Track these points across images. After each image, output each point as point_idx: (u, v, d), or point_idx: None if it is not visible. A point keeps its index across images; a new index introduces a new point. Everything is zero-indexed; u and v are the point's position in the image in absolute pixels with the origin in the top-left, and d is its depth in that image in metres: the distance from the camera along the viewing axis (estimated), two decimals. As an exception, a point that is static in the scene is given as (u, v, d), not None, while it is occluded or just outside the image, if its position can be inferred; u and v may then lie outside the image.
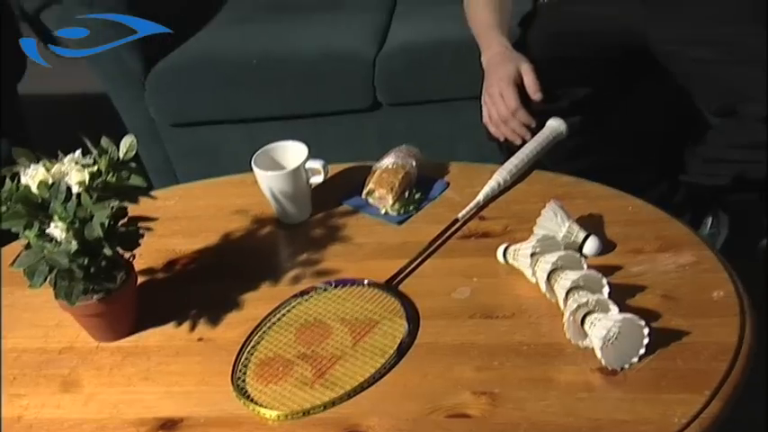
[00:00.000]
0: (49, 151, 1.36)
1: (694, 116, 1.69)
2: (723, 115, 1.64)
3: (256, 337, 1.16)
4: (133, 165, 1.15)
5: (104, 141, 1.15)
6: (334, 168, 1.44)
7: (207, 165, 2.15)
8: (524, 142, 1.46)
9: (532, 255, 1.14)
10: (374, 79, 1.98)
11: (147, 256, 1.25)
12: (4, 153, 1.86)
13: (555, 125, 1.41)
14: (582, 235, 1.18)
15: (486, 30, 1.62)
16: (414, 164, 1.39)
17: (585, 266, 1.12)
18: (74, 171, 1.11)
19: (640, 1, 1.67)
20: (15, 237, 1.13)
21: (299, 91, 2.04)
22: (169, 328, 1.21)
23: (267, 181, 1.34)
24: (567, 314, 1.03)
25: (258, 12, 2.26)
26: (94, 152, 1.15)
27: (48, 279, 1.11)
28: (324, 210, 1.39)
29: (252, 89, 2.06)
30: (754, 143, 1.56)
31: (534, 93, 1.47)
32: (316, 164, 1.38)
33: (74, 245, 1.08)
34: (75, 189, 1.10)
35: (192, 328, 1.20)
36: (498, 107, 1.49)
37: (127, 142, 1.15)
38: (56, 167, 1.11)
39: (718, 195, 1.72)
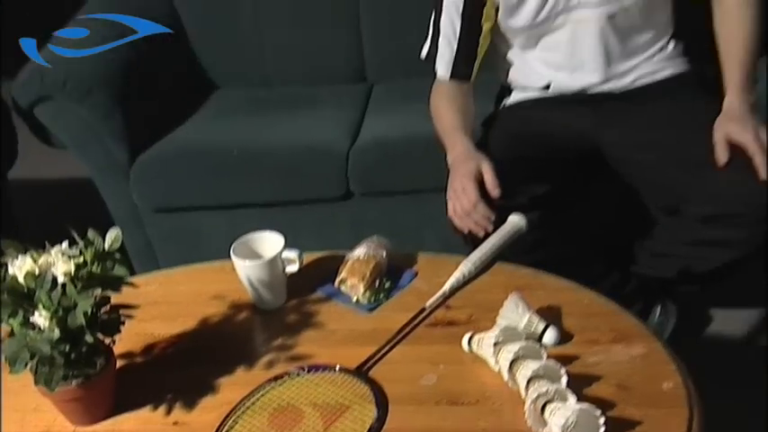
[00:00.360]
0: (34, 234, 1.35)
1: (643, 213, 1.72)
2: (668, 214, 1.67)
3: (230, 422, 1.14)
4: (117, 255, 1.15)
5: (91, 233, 1.15)
6: (309, 257, 1.45)
7: (187, 249, 2.15)
8: (487, 234, 1.47)
9: (495, 344, 1.14)
10: (347, 171, 2.00)
11: (127, 340, 1.22)
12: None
13: (516, 220, 1.43)
14: (541, 326, 1.19)
15: (451, 131, 1.64)
16: (384, 255, 1.40)
17: (545, 356, 1.12)
18: (60, 262, 1.11)
19: (591, 109, 1.71)
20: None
21: (276, 181, 2.05)
22: (145, 411, 1.18)
23: (245, 270, 1.34)
24: (528, 402, 1.03)
25: (239, 107, 2.29)
26: (81, 243, 1.15)
27: (29, 365, 1.10)
28: (298, 297, 1.39)
29: (232, 178, 2.07)
30: (695, 241, 1.59)
31: (492, 189, 1.49)
32: (291, 253, 1.38)
33: (56, 333, 1.08)
34: (60, 279, 1.10)
35: (168, 411, 1.18)
36: (461, 201, 1.51)
37: (112, 235, 1.16)
38: (43, 259, 1.11)
39: (666, 286, 1.74)
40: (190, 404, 1.18)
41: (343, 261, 1.41)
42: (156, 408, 1.18)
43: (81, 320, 1.08)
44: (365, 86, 2.35)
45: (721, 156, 1.50)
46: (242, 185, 2.07)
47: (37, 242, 1.20)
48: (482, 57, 1.73)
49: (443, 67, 1.73)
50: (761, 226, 1.50)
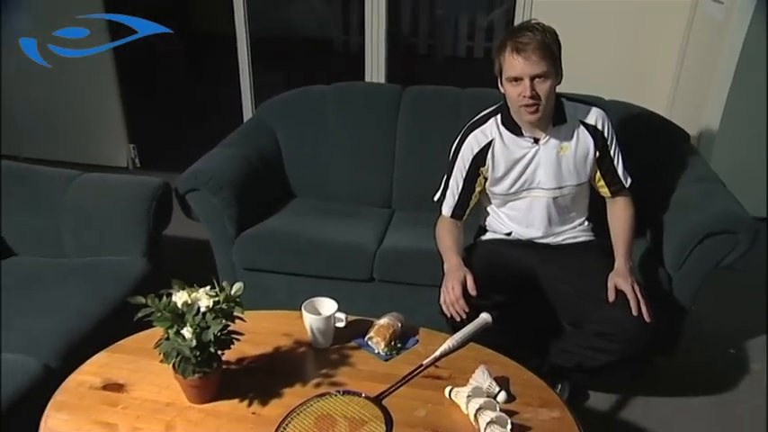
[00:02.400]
0: (173, 269, 1.39)
1: (558, 322, 1.74)
2: (573, 326, 1.70)
3: (288, 419, 1.16)
4: (238, 299, 1.20)
5: (225, 283, 1.21)
6: (350, 318, 1.46)
7: (259, 297, 2.09)
8: (462, 320, 1.49)
9: (467, 397, 1.17)
10: (373, 263, 2.02)
11: (228, 353, 1.25)
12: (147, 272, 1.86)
13: (485, 317, 1.46)
14: (497, 389, 1.22)
15: (448, 250, 1.68)
16: (399, 325, 1.43)
17: (498, 409, 1.15)
18: (204, 298, 1.17)
19: (535, 252, 1.77)
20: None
21: (326, 263, 2.06)
22: (235, 401, 1.21)
23: (310, 320, 1.38)
24: (485, 438, 1.07)
25: (308, 211, 2.30)
26: (217, 288, 1.21)
27: (173, 360, 1.15)
28: (340, 343, 1.41)
29: (297, 256, 2.07)
30: (588, 346, 1.62)
31: (472, 291, 1.52)
32: (341, 315, 1.41)
33: (194, 342, 1.13)
34: (202, 308, 1.16)
35: (249, 404, 1.21)
36: (450, 296, 1.53)
37: (237, 286, 1.21)
38: (194, 294, 1.17)
39: (565, 373, 1.74)
40: (263, 402, 1.21)
41: (373, 324, 1.43)
42: (242, 400, 1.21)
43: (211, 337, 1.14)
44: (390, 211, 2.35)
45: (611, 297, 1.56)
46: (302, 262, 2.06)
47: (175, 275, 1.24)
48: (472, 207, 1.77)
49: (447, 209, 1.77)
50: (630, 345, 1.54)
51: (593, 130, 1.68)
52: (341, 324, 1.42)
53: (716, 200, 1.84)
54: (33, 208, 1.90)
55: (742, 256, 1.73)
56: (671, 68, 2.84)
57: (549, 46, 1.52)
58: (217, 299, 1.17)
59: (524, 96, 1.53)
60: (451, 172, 1.76)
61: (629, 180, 1.74)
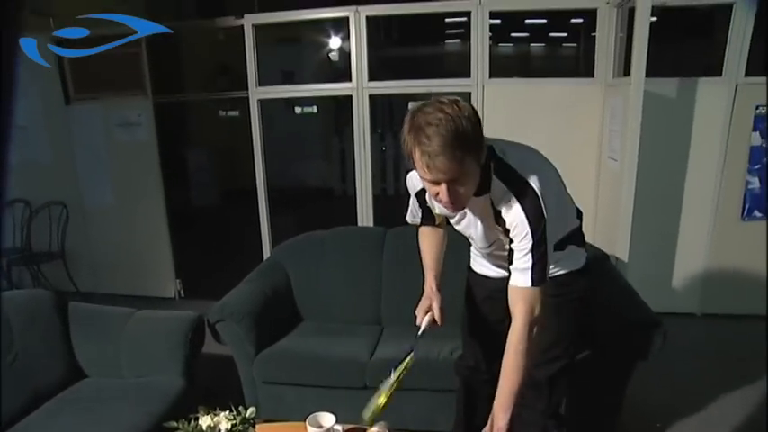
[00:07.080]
0: (206, 381, 1.32)
1: None
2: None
3: None
4: (252, 421, 1.18)
5: (241, 408, 1.19)
6: (347, 427, 1.41)
7: (275, 405, 2.06)
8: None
9: None
10: (365, 373, 1.96)
11: None
12: (184, 389, 1.82)
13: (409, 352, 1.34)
14: None
15: (426, 271, 1.45)
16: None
17: None
18: (224, 421, 1.15)
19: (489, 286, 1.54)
20: None
21: (327, 374, 2.00)
22: None
23: (312, 432, 1.34)
24: None
25: (313, 332, 2.25)
26: (235, 412, 1.19)
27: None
28: None
29: (304, 370, 2.03)
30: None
31: (439, 321, 1.38)
32: (338, 427, 1.39)
33: (214, 461, 1.09)
34: (223, 430, 1.13)
35: None
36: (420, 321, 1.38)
37: (251, 410, 1.20)
38: (216, 418, 1.15)
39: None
40: None
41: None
42: None
43: (229, 455, 1.10)
44: (380, 328, 2.33)
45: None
46: (308, 375, 2.02)
47: (207, 388, 1.21)
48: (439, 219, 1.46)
49: (418, 219, 1.49)
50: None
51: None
52: (337, 435, 1.37)
53: (634, 310, 1.87)
54: (101, 339, 1.95)
55: (659, 351, 1.75)
56: (591, 206, 3.12)
57: (456, 143, 1.03)
58: (234, 421, 1.15)
59: (444, 199, 1.12)
60: (409, 195, 1.46)
61: (529, 279, 1.14)
